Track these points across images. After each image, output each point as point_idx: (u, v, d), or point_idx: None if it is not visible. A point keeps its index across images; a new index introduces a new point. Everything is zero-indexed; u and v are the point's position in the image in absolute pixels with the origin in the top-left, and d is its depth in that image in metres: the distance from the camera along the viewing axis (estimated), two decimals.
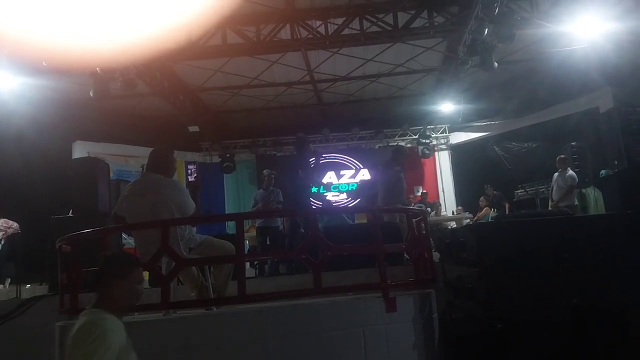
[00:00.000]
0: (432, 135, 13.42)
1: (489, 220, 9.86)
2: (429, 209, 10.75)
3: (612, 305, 3.34)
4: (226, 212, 12.50)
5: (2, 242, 8.97)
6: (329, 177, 13.47)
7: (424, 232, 4.55)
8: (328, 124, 13.03)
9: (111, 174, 8.06)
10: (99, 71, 7.79)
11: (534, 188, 9.88)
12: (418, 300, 3.80)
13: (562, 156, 8.45)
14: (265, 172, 8.91)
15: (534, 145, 11.75)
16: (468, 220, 10.77)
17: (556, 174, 8.39)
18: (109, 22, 5.77)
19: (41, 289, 6.80)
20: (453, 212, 12.32)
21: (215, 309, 3.78)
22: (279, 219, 8.13)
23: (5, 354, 5.11)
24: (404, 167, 7.56)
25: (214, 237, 4.38)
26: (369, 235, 3.95)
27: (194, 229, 4.24)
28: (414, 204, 10.22)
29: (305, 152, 7.32)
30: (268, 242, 8.13)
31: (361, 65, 9.98)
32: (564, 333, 3.31)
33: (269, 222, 8.17)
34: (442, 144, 13.75)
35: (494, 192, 11.08)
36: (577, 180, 8.22)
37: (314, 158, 7.53)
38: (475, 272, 3.62)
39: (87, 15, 5.63)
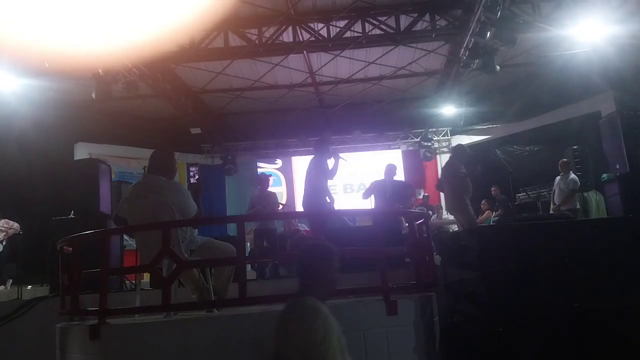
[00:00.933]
0: (434, 139, 13.40)
1: (490, 223, 9.85)
2: (430, 212, 10.73)
3: (613, 308, 3.33)
4: (227, 214, 12.48)
5: (4, 243, 8.97)
6: None
7: (426, 235, 4.54)
8: (329, 126, 13.02)
9: (113, 176, 8.06)
10: (101, 73, 7.80)
11: (535, 191, 9.85)
12: (419, 304, 3.78)
13: (565, 160, 8.45)
14: (261, 174, 8.88)
15: (535, 148, 11.74)
16: None
17: (558, 177, 8.38)
18: (111, 24, 5.79)
19: (42, 290, 6.81)
20: None
21: (216, 311, 3.77)
22: (276, 221, 8.06)
23: (5, 355, 5.11)
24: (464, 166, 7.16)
25: (215, 239, 4.38)
26: (370, 238, 3.94)
27: (195, 230, 4.24)
28: (416, 207, 10.20)
29: (325, 152, 6.92)
30: (265, 245, 8.11)
31: (363, 68, 9.98)
32: (565, 337, 3.30)
33: (266, 225, 8.14)
34: (443, 147, 13.71)
35: (502, 195, 10.98)
36: (579, 183, 8.21)
37: (333, 159, 7.13)
38: (477, 276, 3.62)
39: (89, 17, 5.64)
